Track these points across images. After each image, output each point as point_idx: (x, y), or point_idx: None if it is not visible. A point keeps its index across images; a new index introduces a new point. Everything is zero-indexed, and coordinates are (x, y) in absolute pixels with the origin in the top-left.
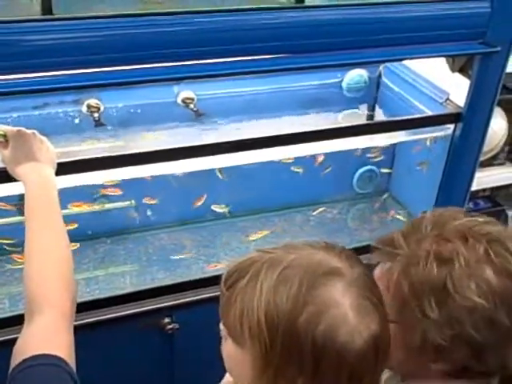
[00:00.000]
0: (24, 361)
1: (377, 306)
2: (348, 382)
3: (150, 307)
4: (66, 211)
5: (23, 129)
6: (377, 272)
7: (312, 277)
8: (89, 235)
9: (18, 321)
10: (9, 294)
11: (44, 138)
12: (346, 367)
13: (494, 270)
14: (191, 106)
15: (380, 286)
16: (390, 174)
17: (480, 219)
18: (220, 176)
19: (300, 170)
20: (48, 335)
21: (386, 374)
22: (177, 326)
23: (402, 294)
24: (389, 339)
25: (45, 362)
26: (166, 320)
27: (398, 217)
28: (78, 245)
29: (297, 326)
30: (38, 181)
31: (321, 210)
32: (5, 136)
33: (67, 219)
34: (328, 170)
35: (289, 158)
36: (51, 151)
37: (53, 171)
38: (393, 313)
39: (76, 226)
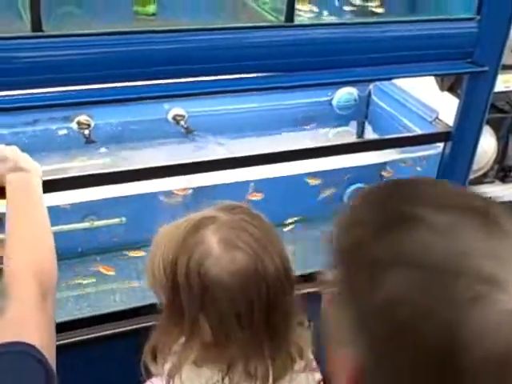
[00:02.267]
0: None
1: (249, 243)
2: (234, 312)
3: (142, 325)
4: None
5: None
6: None
7: (191, 226)
8: (79, 252)
9: None
10: None
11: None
12: (223, 298)
13: None
14: (182, 122)
15: None
16: None
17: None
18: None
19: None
20: (19, 325)
21: None
22: None
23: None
24: (262, 276)
25: (12, 350)
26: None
27: None
28: None
29: (178, 268)
30: (21, 180)
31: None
32: None
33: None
34: (317, 187)
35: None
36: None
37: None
38: None
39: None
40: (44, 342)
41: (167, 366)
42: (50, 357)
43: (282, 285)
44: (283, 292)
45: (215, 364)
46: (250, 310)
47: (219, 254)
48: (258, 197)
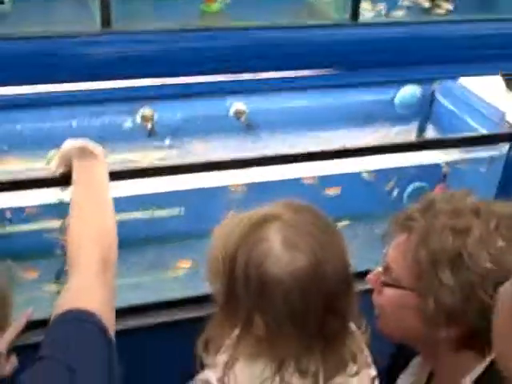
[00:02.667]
0: (58, 315)
1: (311, 246)
2: (289, 312)
3: (198, 314)
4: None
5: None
6: (394, 243)
7: (255, 221)
8: (137, 240)
9: None
10: None
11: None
12: (280, 297)
13: (505, 240)
14: (242, 118)
15: (397, 254)
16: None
17: (489, 200)
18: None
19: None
20: (80, 293)
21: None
22: None
23: (419, 262)
24: (321, 279)
25: (76, 317)
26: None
27: None
28: None
29: (238, 262)
30: (88, 166)
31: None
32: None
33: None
34: (378, 185)
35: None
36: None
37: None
38: (409, 281)
39: None
40: (103, 311)
41: (221, 358)
42: (110, 325)
43: (340, 289)
44: (340, 297)
45: (267, 359)
46: (306, 311)
47: (280, 253)
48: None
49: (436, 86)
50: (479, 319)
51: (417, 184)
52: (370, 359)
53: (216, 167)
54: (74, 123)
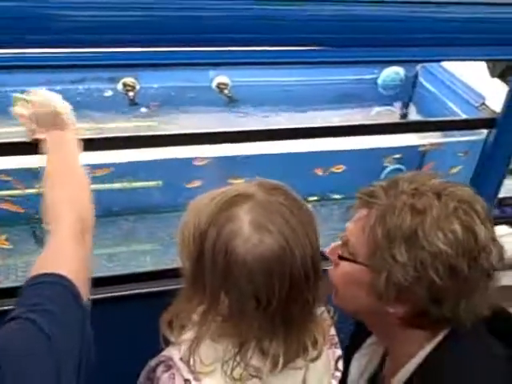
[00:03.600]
0: (30, 278)
1: (281, 228)
2: (253, 293)
3: (169, 287)
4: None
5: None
6: (355, 217)
7: (227, 200)
8: (114, 212)
9: None
10: None
11: (58, 95)
12: (245, 278)
13: (461, 224)
14: (225, 91)
15: (356, 229)
16: None
17: (454, 183)
18: (246, 163)
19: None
20: (53, 257)
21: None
22: None
23: (375, 238)
24: (288, 263)
25: (47, 280)
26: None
27: None
28: None
29: (207, 239)
30: (59, 136)
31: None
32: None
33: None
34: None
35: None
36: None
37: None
38: (364, 257)
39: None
40: (77, 275)
41: (186, 337)
42: (84, 290)
43: (307, 274)
44: (306, 281)
45: (230, 340)
46: (270, 294)
47: (248, 235)
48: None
49: (419, 68)
50: (428, 299)
51: (395, 166)
52: (336, 339)
53: (196, 140)
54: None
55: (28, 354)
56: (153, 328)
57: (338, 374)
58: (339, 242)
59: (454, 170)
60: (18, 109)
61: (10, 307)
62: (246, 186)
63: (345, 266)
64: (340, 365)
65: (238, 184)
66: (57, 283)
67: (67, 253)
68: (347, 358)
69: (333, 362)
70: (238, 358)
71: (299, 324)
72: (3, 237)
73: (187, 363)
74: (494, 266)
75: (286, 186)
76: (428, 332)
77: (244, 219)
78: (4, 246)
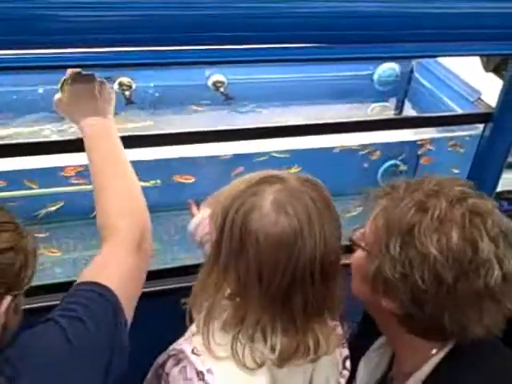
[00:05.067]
0: (78, 283)
1: (300, 216)
2: (257, 271)
3: (169, 287)
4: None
5: (81, 72)
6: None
7: (257, 178)
8: None
9: None
10: None
11: (103, 80)
12: (253, 254)
13: (461, 234)
14: (221, 89)
15: (371, 219)
16: (415, 169)
17: (479, 196)
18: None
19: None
20: (106, 268)
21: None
22: None
23: (377, 227)
24: (297, 250)
25: (91, 289)
26: (184, 300)
27: None
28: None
29: (229, 213)
30: (99, 127)
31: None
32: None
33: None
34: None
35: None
36: (111, 93)
37: (113, 122)
38: (368, 245)
39: None
40: (126, 287)
41: (194, 328)
42: (129, 301)
43: (312, 271)
44: (311, 279)
45: (237, 326)
46: (272, 276)
47: (266, 211)
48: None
49: (415, 64)
50: (410, 300)
51: (392, 161)
52: (344, 339)
53: (193, 139)
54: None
55: (47, 362)
56: (155, 327)
57: (346, 373)
58: (361, 231)
59: (455, 170)
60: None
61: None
62: (284, 172)
63: (357, 252)
64: (348, 364)
65: (278, 170)
66: (100, 294)
67: (120, 266)
68: (352, 360)
69: (341, 361)
70: (243, 339)
71: (302, 321)
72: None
73: (202, 352)
74: (492, 286)
75: (322, 184)
76: (431, 344)
77: (268, 197)
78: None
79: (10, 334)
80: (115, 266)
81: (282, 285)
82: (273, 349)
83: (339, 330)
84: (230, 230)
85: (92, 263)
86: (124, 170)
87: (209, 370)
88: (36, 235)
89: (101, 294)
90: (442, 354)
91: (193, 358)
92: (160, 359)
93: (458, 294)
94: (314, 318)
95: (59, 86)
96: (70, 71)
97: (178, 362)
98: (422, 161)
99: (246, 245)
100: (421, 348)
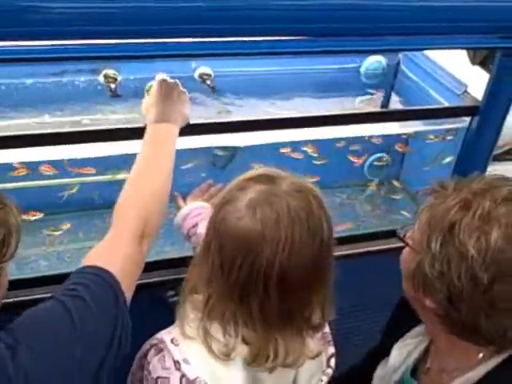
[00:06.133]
0: (81, 267)
1: (266, 218)
2: (221, 261)
3: (154, 279)
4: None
5: (168, 79)
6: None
7: (252, 174)
8: (96, 204)
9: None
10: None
11: (184, 91)
12: (219, 244)
13: (502, 234)
14: (208, 81)
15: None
16: (401, 162)
17: None
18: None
19: (313, 153)
20: (108, 254)
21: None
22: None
23: (421, 224)
24: (252, 251)
25: (95, 273)
26: (170, 293)
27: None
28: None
29: (219, 201)
30: (164, 131)
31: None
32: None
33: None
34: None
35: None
36: (186, 106)
37: (177, 129)
38: (413, 239)
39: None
40: (126, 275)
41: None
42: (128, 289)
43: (268, 274)
44: (265, 281)
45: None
46: (230, 269)
47: (239, 207)
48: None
49: (401, 57)
50: (446, 299)
51: (378, 155)
52: (330, 337)
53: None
54: (33, 81)
55: (47, 333)
56: (142, 320)
57: (330, 371)
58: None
59: (438, 159)
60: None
61: None
62: (285, 174)
63: (405, 249)
64: (332, 362)
65: (286, 172)
66: (102, 278)
67: (122, 252)
68: (384, 345)
69: (325, 359)
70: (209, 326)
71: (262, 327)
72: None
73: (180, 342)
74: None
75: (317, 195)
76: (477, 347)
77: (248, 195)
78: None
79: None
80: (121, 254)
81: (239, 281)
82: (233, 346)
83: (326, 329)
84: (213, 218)
85: (98, 247)
86: (161, 174)
87: (185, 360)
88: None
89: (102, 277)
90: (495, 361)
91: (171, 347)
92: (143, 349)
93: (494, 295)
94: (277, 327)
95: (146, 89)
96: (157, 77)
97: (158, 352)
98: (397, 147)
99: (218, 232)
100: (465, 349)
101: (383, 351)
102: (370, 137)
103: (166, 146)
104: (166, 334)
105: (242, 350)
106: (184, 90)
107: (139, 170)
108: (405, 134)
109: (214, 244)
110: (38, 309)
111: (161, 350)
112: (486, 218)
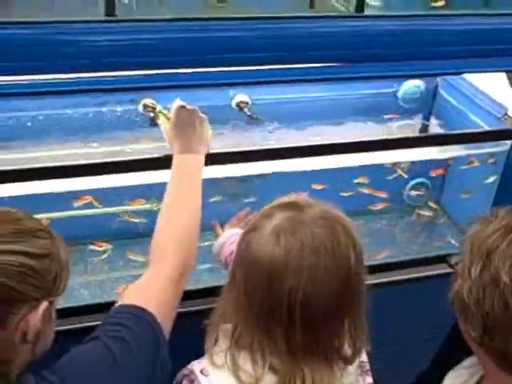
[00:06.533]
0: (120, 305)
1: (291, 247)
2: (244, 290)
3: (192, 308)
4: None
5: (186, 106)
6: None
7: (282, 201)
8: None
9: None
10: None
11: (204, 117)
12: (263, 276)
13: None
14: (245, 109)
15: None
16: (442, 187)
17: None
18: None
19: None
20: (148, 292)
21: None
22: None
23: (465, 250)
24: (275, 280)
25: (133, 312)
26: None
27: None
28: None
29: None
30: (189, 162)
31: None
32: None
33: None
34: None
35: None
36: (207, 132)
37: (203, 158)
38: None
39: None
40: (165, 314)
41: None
42: (165, 328)
43: (291, 306)
44: (289, 315)
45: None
46: (254, 297)
47: (264, 234)
48: (319, 187)
49: (439, 80)
50: (482, 329)
51: (418, 180)
52: (368, 366)
53: (217, 159)
54: (75, 112)
55: (90, 373)
56: (180, 349)
57: None
58: None
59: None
60: (161, 122)
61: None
62: (314, 202)
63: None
64: None
65: (316, 200)
66: (142, 318)
67: (161, 292)
68: (432, 374)
69: None
70: (237, 354)
71: (288, 357)
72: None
73: (209, 373)
74: None
75: (345, 223)
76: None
77: (273, 222)
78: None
79: (44, 344)
80: (157, 292)
81: (263, 309)
82: (260, 376)
83: (364, 357)
84: (238, 244)
85: (137, 285)
86: (192, 206)
87: None
88: None
89: (142, 318)
90: None
91: (200, 378)
92: (177, 379)
93: None
94: (304, 357)
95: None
96: (174, 104)
97: (190, 382)
98: (436, 172)
99: (242, 260)
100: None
101: (432, 381)
102: (411, 162)
103: (194, 177)
104: (196, 364)
105: (270, 380)
106: (204, 115)
107: (170, 204)
108: (445, 158)
109: (240, 271)
110: (80, 349)
111: (192, 381)
112: None
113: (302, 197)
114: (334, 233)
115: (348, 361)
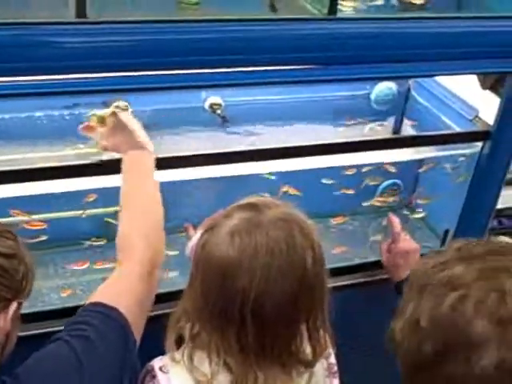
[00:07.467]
0: (88, 304)
1: (244, 247)
2: (201, 288)
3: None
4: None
5: (120, 105)
6: None
7: (243, 202)
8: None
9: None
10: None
11: (124, 113)
12: (217, 275)
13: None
14: (218, 111)
15: None
16: (414, 189)
17: None
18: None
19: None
20: (117, 290)
21: None
22: None
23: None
24: (228, 279)
25: (104, 312)
26: None
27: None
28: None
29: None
30: (138, 157)
31: (341, 220)
32: (102, 119)
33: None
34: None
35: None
36: (138, 125)
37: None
38: None
39: None
40: (135, 313)
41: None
42: (136, 330)
43: (245, 305)
44: (241, 312)
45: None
46: (208, 295)
47: (220, 234)
48: (291, 191)
49: (411, 83)
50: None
51: (390, 181)
52: (335, 368)
53: (190, 162)
54: (44, 114)
55: (53, 373)
56: (152, 351)
57: None
58: None
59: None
60: (92, 122)
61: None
62: (274, 202)
63: None
64: None
65: (280, 202)
66: (110, 317)
67: (131, 290)
68: None
69: None
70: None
71: (241, 356)
72: None
73: (168, 370)
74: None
75: (304, 225)
76: None
77: (231, 222)
78: None
79: (10, 347)
80: (126, 291)
81: (216, 309)
82: (215, 375)
83: (332, 359)
84: (196, 243)
85: (106, 284)
86: (153, 200)
87: None
88: None
89: (110, 316)
90: None
91: (159, 374)
92: (141, 375)
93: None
94: (256, 360)
95: (95, 119)
96: (113, 105)
97: (151, 378)
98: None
99: (199, 259)
100: None
101: None
102: (382, 164)
103: (149, 173)
104: (157, 361)
105: (225, 378)
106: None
107: (130, 200)
108: (416, 160)
109: (197, 270)
110: (42, 351)
111: (153, 377)
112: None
113: (264, 198)
114: (290, 235)
115: (309, 364)
